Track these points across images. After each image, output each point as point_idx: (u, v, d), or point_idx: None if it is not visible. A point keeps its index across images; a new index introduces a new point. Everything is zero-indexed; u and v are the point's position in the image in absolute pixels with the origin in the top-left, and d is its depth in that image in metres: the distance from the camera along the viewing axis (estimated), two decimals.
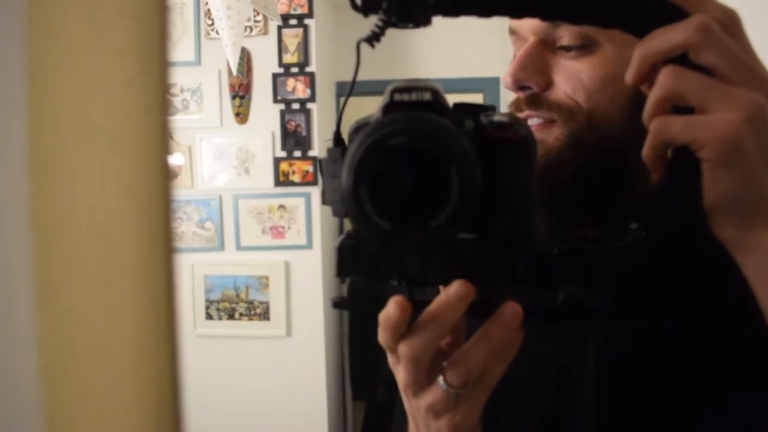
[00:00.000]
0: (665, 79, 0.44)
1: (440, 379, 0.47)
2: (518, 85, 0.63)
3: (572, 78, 0.63)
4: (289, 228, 2.97)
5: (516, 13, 0.47)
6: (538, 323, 0.48)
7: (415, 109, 0.42)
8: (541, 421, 0.66)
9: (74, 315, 0.27)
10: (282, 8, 2.88)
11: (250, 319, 2.98)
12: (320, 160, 0.49)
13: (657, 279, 0.63)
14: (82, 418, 0.27)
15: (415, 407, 0.50)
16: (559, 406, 0.65)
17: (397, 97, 0.43)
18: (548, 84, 0.64)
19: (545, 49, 0.64)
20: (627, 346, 0.64)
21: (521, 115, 0.64)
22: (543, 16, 0.48)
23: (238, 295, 2.98)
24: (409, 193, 0.42)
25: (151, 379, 0.28)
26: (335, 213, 0.47)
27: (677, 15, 0.44)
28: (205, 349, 2.96)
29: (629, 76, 0.46)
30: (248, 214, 2.97)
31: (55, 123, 0.26)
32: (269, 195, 2.96)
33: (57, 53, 0.26)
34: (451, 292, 0.44)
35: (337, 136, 0.48)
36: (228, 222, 2.99)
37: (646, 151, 0.46)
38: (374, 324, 0.48)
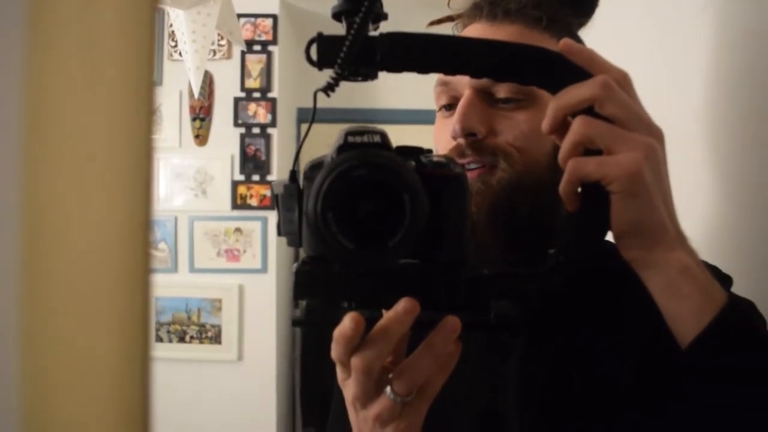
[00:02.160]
0: (578, 127, 0.51)
1: (388, 389, 0.51)
2: (465, 133, 0.71)
3: (513, 128, 0.71)
4: (245, 251, 2.97)
5: (451, 72, 0.54)
6: (468, 343, 0.53)
7: (366, 149, 0.48)
8: (474, 426, 0.72)
9: (58, 327, 0.27)
10: (247, 34, 2.95)
11: (201, 343, 2.96)
12: (276, 196, 0.53)
13: (576, 300, 0.70)
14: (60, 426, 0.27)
15: (363, 418, 0.53)
16: (490, 415, 0.72)
17: (351, 139, 0.48)
18: (489, 132, 0.71)
19: (483, 101, 0.72)
20: (546, 362, 0.71)
21: (464, 160, 0.71)
22: (473, 74, 0.54)
23: (189, 318, 2.96)
24: (368, 218, 0.46)
25: (126, 391, 0.29)
26: (290, 243, 0.53)
27: (583, 75, 0.52)
28: (155, 372, 2.87)
29: (545, 125, 0.53)
30: (203, 236, 2.97)
31: (48, 130, 0.27)
32: (226, 218, 2.97)
33: (53, 66, 0.26)
34: (400, 308, 0.48)
35: (293, 174, 0.52)
36: (182, 243, 2.97)
37: (563, 187, 0.53)
38: (327, 350, 0.52)
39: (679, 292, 0.53)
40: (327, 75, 0.51)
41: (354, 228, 0.47)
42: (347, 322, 0.49)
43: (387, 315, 0.49)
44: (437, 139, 0.77)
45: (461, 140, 0.71)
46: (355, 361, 0.50)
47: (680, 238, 0.54)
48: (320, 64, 0.51)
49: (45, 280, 0.26)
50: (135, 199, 0.28)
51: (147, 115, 0.29)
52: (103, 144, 0.27)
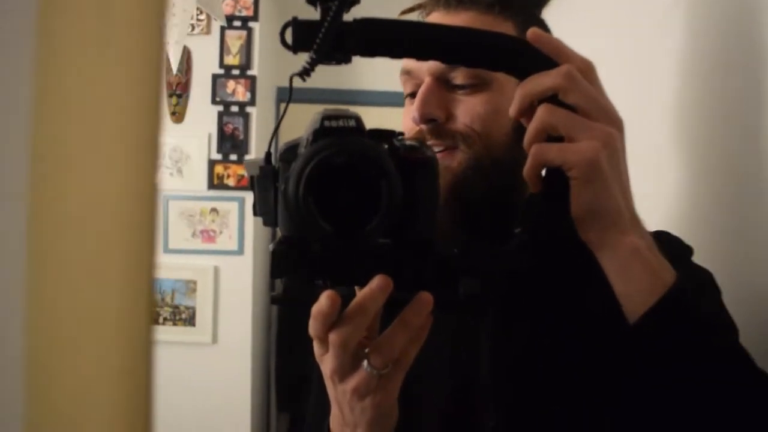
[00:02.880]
0: (541, 114, 0.55)
1: (365, 362, 0.54)
2: (425, 119, 0.75)
3: (470, 111, 0.75)
4: (221, 232, 2.97)
5: (422, 57, 0.57)
6: (438, 318, 0.55)
7: (342, 134, 0.51)
8: (447, 398, 0.76)
9: (62, 313, 0.28)
10: (227, 9, 2.92)
11: (175, 324, 2.95)
12: (251, 177, 0.56)
13: (542, 279, 0.73)
14: (63, 413, 0.28)
15: (341, 392, 0.56)
16: (461, 384, 0.75)
17: (327, 123, 0.51)
18: (448, 117, 0.76)
19: (441, 88, 0.76)
20: (516, 340, 0.74)
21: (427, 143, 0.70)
22: (444, 59, 0.58)
23: (163, 299, 2.95)
24: (347, 203, 0.50)
25: (129, 375, 0.30)
26: (266, 223, 0.55)
27: (549, 64, 0.55)
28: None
29: (512, 110, 0.57)
30: (179, 217, 2.96)
31: (56, 122, 0.28)
32: (202, 198, 2.97)
33: (64, 61, 0.28)
34: (374, 285, 0.51)
35: (269, 155, 0.55)
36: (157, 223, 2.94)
37: (526, 170, 0.56)
38: (303, 332, 0.55)
39: (630, 273, 0.56)
40: (306, 55, 0.53)
41: (333, 213, 0.50)
42: (324, 300, 0.51)
43: (362, 292, 0.52)
44: (404, 125, 0.80)
45: (423, 126, 0.76)
46: (333, 337, 0.53)
47: (634, 223, 0.57)
48: (295, 48, 0.53)
49: (50, 266, 0.27)
50: (142, 181, 0.29)
51: (157, 104, 0.30)
52: (114, 117, 0.28)
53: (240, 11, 2.98)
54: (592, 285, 0.61)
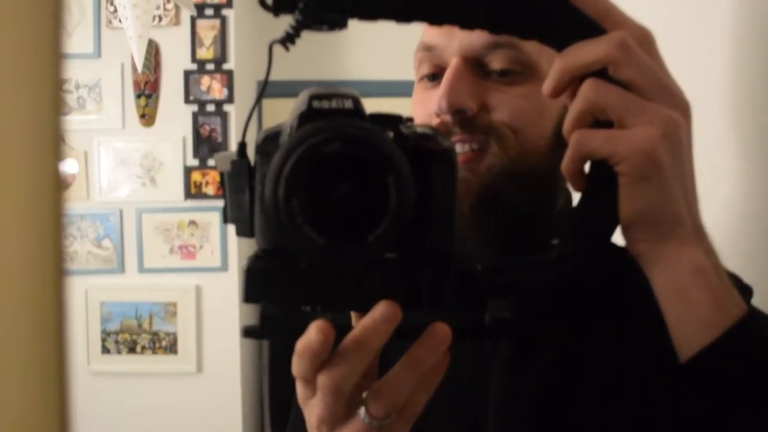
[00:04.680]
0: (586, 92, 0.50)
1: (362, 410, 0.50)
2: (453, 109, 0.70)
3: (508, 104, 0.70)
4: (201, 247, 2.98)
5: (436, 20, 0.52)
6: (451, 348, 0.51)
7: (336, 117, 0.45)
8: None
9: None
10: None
11: (155, 353, 2.97)
12: (221, 173, 0.52)
13: (577, 298, 0.70)
14: None
15: None
16: (474, 429, 0.72)
17: (316, 104, 0.46)
18: (481, 108, 0.71)
19: (473, 72, 0.71)
20: (538, 370, 0.72)
21: (452, 139, 0.69)
22: (464, 23, 0.52)
23: (140, 325, 2.96)
24: (343, 206, 0.44)
25: (38, 422, 0.27)
26: (240, 232, 0.51)
27: (595, 30, 0.50)
28: (102, 388, 2.92)
29: (547, 87, 0.52)
30: (153, 231, 2.97)
31: None
32: (178, 209, 2.97)
33: None
34: (378, 314, 0.46)
35: (243, 146, 0.51)
36: (129, 240, 2.97)
37: (565, 164, 0.52)
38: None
39: (687, 296, 0.52)
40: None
41: (325, 219, 0.45)
42: (313, 333, 0.47)
43: (362, 323, 0.48)
44: (416, 113, 0.76)
45: (447, 117, 0.71)
46: (323, 380, 0.49)
47: (698, 234, 0.53)
48: (277, 9, 0.49)
49: None
50: (41, 198, 0.28)
51: (54, 91, 0.28)
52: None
53: None
54: (641, 308, 0.59)
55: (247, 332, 0.50)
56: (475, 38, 0.68)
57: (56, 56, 0.28)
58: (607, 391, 0.69)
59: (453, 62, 0.71)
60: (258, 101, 0.56)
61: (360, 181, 0.45)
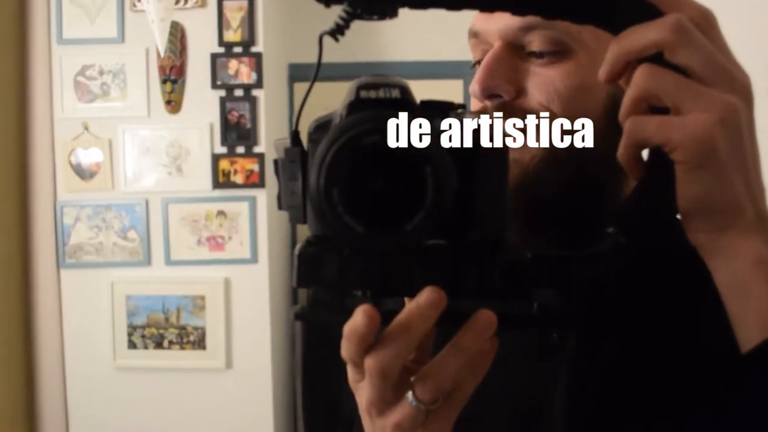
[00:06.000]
0: (641, 78, 0.51)
1: (409, 394, 0.52)
2: (488, 93, 0.72)
3: (546, 86, 0.72)
4: (230, 238, 2.98)
5: (486, 7, 0.54)
6: (507, 339, 0.54)
7: (383, 107, 0.48)
8: None
9: None
10: None
11: (182, 348, 2.98)
12: (276, 161, 0.55)
13: (635, 291, 0.72)
14: None
15: (380, 427, 0.55)
16: (530, 424, 0.74)
17: (364, 94, 0.49)
18: (519, 92, 0.72)
19: (514, 55, 0.73)
20: (600, 372, 0.73)
21: None
22: (515, 9, 0.54)
23: (167, 320, 2.97)
24: (382, 195, 0.47)
25: None
26: (293, 219, 0.54)
27: (652, 13, 0.51)
28: (127, 384, 2.94)
29: (603, 72, 0.53)
30: (180, 222, 2.97)
31: None
32: (206, 199, 2.98)
33: None
34: (422, 300, 0.49)
35: (296, 134, 0.53)
36: (156, 231, 2.97)
37: (620, 151, 0.53)
38: (335, 351, 0.53)
39: (748, 289, 0.52)
40: (327, 16, 0.52)
41: (364, 208, 0.48)
42: (359, 316, 0.50)
43: (407, 308, 0.50)
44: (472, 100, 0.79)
45: (487, 102, 0.73)
46: (370, 362, 0.51)
47: (761, 224, 0.53)
48: (329, 0, 0.51)
49: None
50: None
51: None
52: None
53: None
54: (705, 301, 0.58)
55: (297, 316, 0.54)
56: (509, 20, 0.69)
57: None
58: (675, 384, 0.69)
59: (494, 46, 0.73)
60: (309, 90, 0.57)
61: (397, 172, 0.47)
